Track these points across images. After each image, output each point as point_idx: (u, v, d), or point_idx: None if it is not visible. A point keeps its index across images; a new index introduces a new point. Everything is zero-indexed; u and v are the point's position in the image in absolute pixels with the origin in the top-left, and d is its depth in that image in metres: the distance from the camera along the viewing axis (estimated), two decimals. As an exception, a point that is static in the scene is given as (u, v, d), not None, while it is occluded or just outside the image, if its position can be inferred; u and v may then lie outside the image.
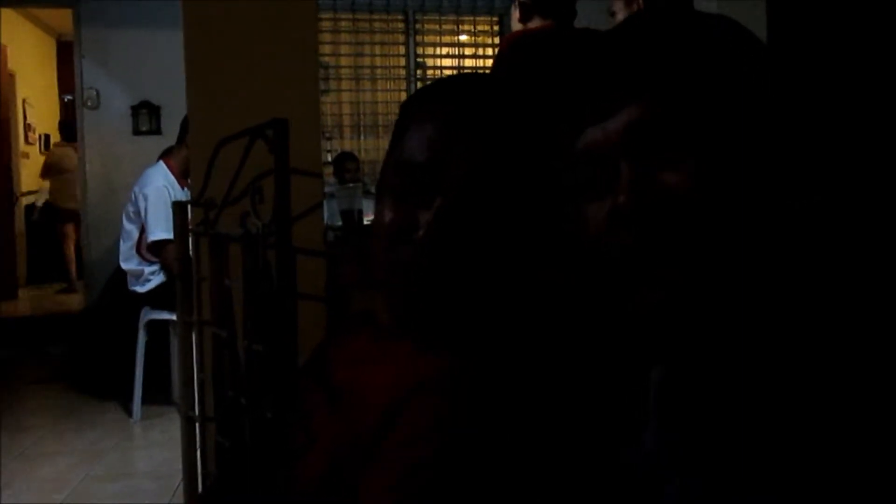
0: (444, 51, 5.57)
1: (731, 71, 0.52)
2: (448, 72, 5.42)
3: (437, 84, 0.79)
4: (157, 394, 3.50)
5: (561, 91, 0.58)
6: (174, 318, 3.13)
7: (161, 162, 3.57)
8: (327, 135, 5.09)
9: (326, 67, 5.21)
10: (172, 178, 3.45)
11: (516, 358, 0.69)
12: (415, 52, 5.41)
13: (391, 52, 5.41)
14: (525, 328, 0.71)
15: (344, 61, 5.34)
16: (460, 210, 0.69)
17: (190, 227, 1.88)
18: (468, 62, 5.56)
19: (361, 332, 0.82)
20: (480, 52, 5.58)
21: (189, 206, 1.87)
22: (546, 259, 0.68)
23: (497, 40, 5.43)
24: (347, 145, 5.18)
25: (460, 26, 5.50)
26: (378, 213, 0.75)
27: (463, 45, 5.59)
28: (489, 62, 5.48)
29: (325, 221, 3.32)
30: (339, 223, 2.87)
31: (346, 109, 5.34)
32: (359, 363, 0.78)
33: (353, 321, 0.87)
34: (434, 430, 0.66)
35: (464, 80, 0.79)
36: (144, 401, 3.46)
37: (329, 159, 4.71)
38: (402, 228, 0.71)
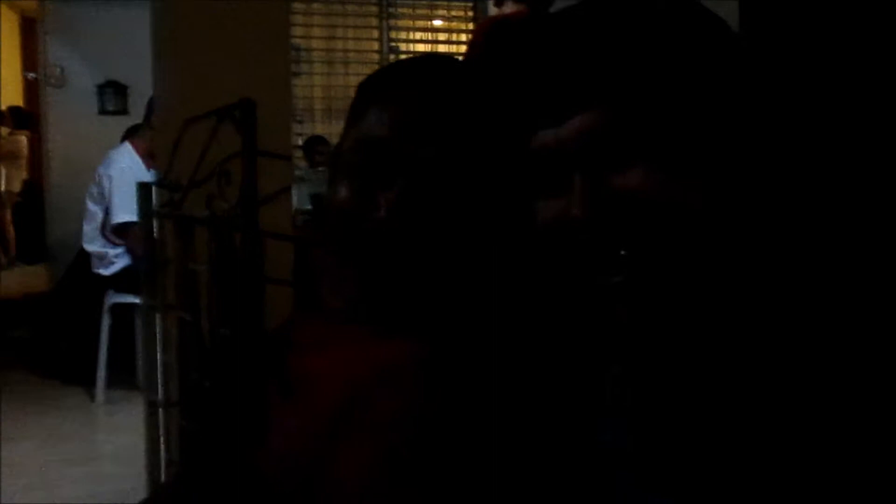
0: (418, 35, 5.54)
1: (694, 66, 0.51)
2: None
3: (400, 64, 0.78)
4: (121, 378, 3.46)
5: (521, 84, 0.57)
6: (139, 301, 3.09)
7: (126, 143, 3.51)
8: (298, 118, 5.04)
9: (298, 50, 5.14)
10: (138, 158, 3.40)
11: (476, 343, 0.68)
12: (388, 37, 5.37)
13: (364, 37, 5.36)
14: (482, 313, 0.70)
15: (316, 44, 5.29)
16: (423, 191, 0.68)
17: (155, 209, 1.85)
18: (442, 48, 5.53)
19: (319, 316, 0.81)
20: (455, 37, 5.55)
21: (154, 188, 1.84)
22: (505, 247, 0.68)
23: (471, 26, 5.40)
24: (318, 129, 5.13)
25: (434, 11, 5.47)
26: (333, 194, 0.73)
27: (437, 30, 5.56)
28: (463, 48, 5.46)
29: (295, 206, 3.29)
30: (309, 207, 2.85)
31: (318, 93, 5.29)
32: (316, 347, 0.77)
33: (310, 305, 0.86)
34: (405, 416, 0.65)
35: (429, 61, 0.78)
36: (108, 385, 3.41)
37: (300, 143, 4.67)
38: (359, 209, 0.70)
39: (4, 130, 6.87)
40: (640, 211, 0.50)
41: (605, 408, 0.55)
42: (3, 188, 6.84)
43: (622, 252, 0.51)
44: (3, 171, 6.80)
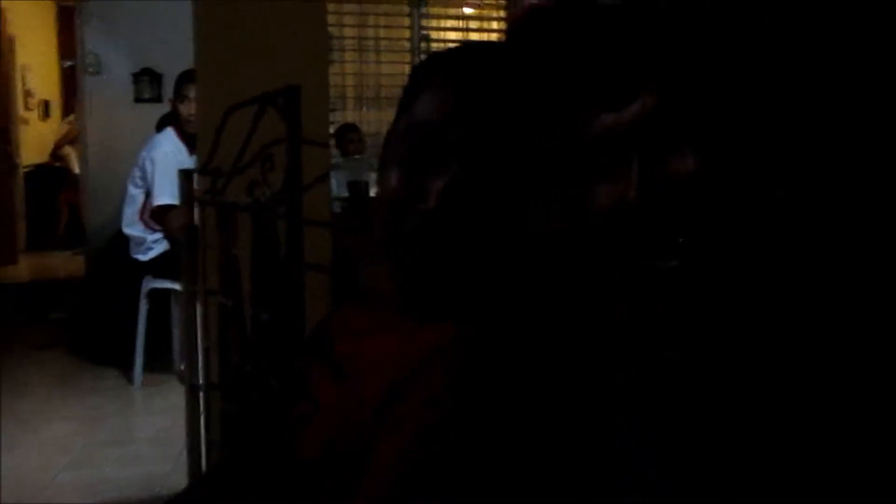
0: (450, 23, 5.52)
1: (736, 53, 0.51)
2: (453, 45, 5.36)
3: (453, 50, 0.78)
4: (158, 362, 3.52)
5: (570, 69, 0.57)
6: (176, 287, 3.13)
7: (169, 128, 3.55)
8: (331, 107, 5.05)
9: (330, 38, 5.15)
10: (180, 144, 3.43)
11: (523, 330, 0.68)
12: (419, 24, 5.35)
13: (396, 24, 5.36)
14: (529, 301, 0.70)
15: (348, 32, 5.29)
16: (474, 178, 0.68)
17: (196, 195, 1.87)
18: (474, 35, 5.51)
19: (364, 305, 0.82)
20: (486, 25, 5.52)
21: (195, 174, 1.86)
22: (544, 238, 0.68)
23: (503, 14, 5.37)
24: (350, 117, 5.15)
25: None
26: (382, 183, 0.73)
27: (469, 17, 5.53)
28: (494, 35, 5.43)
29: (332, 193, 3.30)
30: (346, 194, 2.86)
31: (350, 81, 5.30)
32: (362, 335, 0.78)
33: (357, 293, 0.86)
34: (444, 397, 0.66)
35: (481, 47, 0.78)
36: (145, 369, 3.47)
37: (331, 131, 4.68)
38: (409, 198, 0.69)
39: (72, 117, 6.99)
40: (695, 196, 0.50)
41: (618, 409, 0.54)
42: (77, 171, 6.93)
43: (680, 239, 0.51)
44: (74, 155, 6.90)
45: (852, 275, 0.49)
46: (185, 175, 1.83)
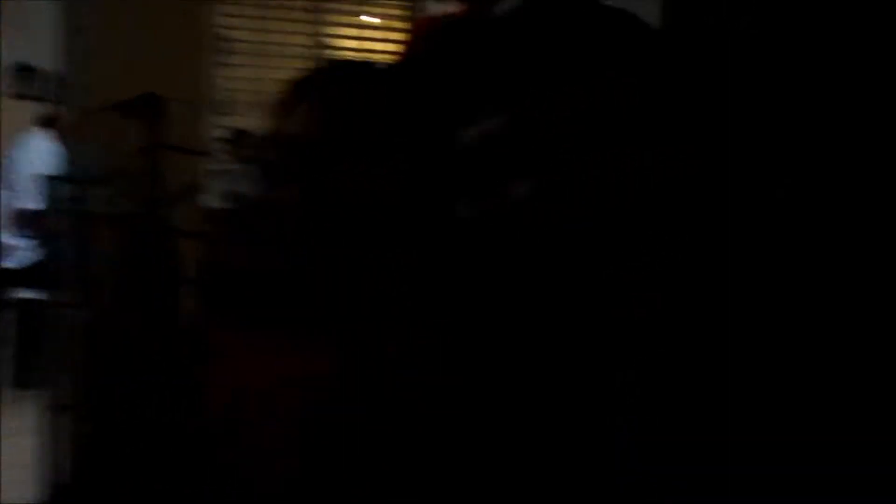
0: (350, 31, 5.49)
1: (620, 73, 0.52)
2: (351, 53, 5.34)
3: (329, 67, 0.79)
4: (25, 377, 3.30)
5: (445, 88, 0.57)
6: (45, 297, 2.95)
7: (43, 131, 3.36)
8: (222, 112, 4.92)
9: (225, 41, 5.02)
10: (52, 146, 3.25)
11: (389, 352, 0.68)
12: (318, 31, 5.30)
13: (294, 30, 5.27)
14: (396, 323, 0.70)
15: (244, 36, 5.17)
16: (333, 191, 0.68)
17: (61, 202, 1.77)
18: (374, 45, 5.50)
19: (229, 319, 0.80)
20: (387, 35, 5.52)
21: (61, 182, 1.76)
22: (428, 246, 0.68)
23: (404, 24, 5.38)
24: (245, 123, 5.03)
25: (365, 7, 5.42)
26: (253, 187, 0.73)
27: (368, 26, 5.52)
28: (394, 46, 5.43)
29: (215, 202, 3.20)
30: (228, 204, 2.78)
31: (245, 86, 5.18)
32: (224, 354, 0.76)
33: (221, 305, 0.84)
34: (307, 421, 0.65)
35: (357, 66, 0.79)
36: (15, 384, 3.25)
37: (226, 137, 4.55)
38: (268, 205, 0.69)
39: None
40: (523, 220, 0.50)
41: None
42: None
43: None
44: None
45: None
46: (51, 181, 1.73)
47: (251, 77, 5.21)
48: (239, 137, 4.38)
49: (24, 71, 4.55)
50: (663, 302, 0.52)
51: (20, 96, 4.54)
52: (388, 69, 0.82)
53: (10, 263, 3.22)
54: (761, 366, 0.50)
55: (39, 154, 3.21)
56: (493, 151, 0.54)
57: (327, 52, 5.30)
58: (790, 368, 0.48)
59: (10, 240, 3.22)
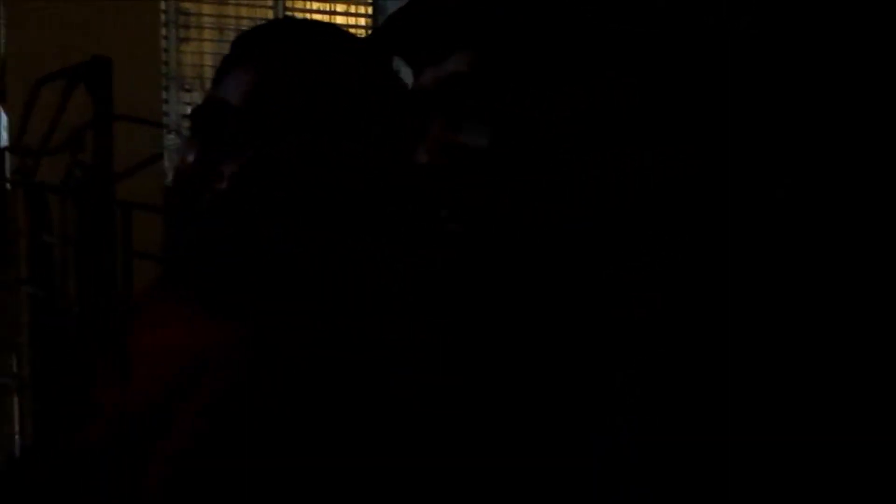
0: (315, 6, 5.40)
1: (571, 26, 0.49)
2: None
3: (265, 25, 0.74)
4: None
5: (399, 33, 0.54)
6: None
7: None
8: (187, 87, 4.82)
9: (187, 15, 4.91)
10: (5, 119, 3.14)
11: (313, 332, 0.65)
12: (283, 4, 5.20)
13: (258, 3, 5.17)
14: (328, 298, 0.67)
15: (206, 9, 5.05)
16: (270, 165, 0.65)
17: (9, 175, 1.71)
18: (340, 19, 5.42)
19: (172, 292, 0.77)
20: (352, 9, 5.44)
21: (6, 154, 1.70)
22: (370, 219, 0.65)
23: (370, 10, 5.31)
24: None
25: (332, -19, 5.33)
26: (182, 156, 0.68)
27: (335, 1, 5.43)
28: (361, 20, 5.36)
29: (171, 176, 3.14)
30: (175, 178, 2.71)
31: (208, 61, 5.07)
32: (157, 326, 0.73)
33: (171, 280, 0.81)
34: (222, 402, 0.62)
35: (295, 25, 0.74)
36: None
37: (188, 112, 4.46)
38: (204, 176, 0.65)
39: None
40: (472, 175, 0.48)
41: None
42: None
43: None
44: None
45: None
46: (-4, 153, 1.67)
47: (215, 52, 5.12)
48: (197, 111, 4.30)
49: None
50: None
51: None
52: (342, 33, 0.77)
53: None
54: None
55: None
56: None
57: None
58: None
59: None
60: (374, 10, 5.30)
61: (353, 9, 5.43)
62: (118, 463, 0.64)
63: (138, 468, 0.63)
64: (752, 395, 0.47)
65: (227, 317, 0.64)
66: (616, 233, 0.49)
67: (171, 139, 3.33)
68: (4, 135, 3.00)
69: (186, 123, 4.48)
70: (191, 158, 0.66)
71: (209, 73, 5.31)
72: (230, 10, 5.10)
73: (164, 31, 4.17)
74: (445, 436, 0.59)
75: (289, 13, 5.26)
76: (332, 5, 5.44)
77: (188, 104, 4.80)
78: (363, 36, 0.85)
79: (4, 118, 3.13)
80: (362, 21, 5.42)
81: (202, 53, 5.01)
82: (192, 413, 0.62)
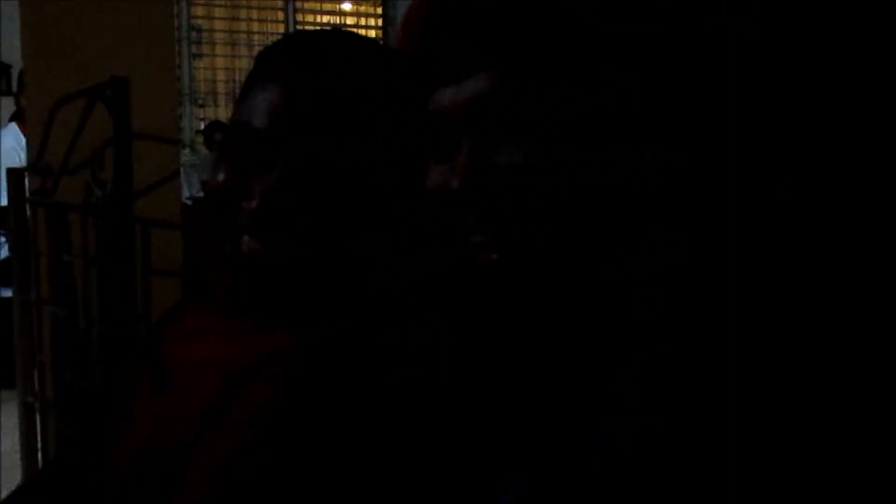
0: (325, 18, 5.43)
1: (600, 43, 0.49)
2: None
3: (289, 39, 0.73)
4: (6, 378, 3.24)
5: (427, 50, 0.54)
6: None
7: (13, 124, 3.28)
8: (200, 102, 4.86)
9: (200, 31, 4.95)
10: (24, 140, 3.18)
11: (359, 341, 0.65)
12: (294, 18, 5.24)
13: (269, 18, 5.21)
14: (366, 308, 0.67)
15: (219, 25, 5.10)
16: (299, 183, 0.64)
17: (28, 195, 1.72)
18: (350, 20, 5.44)
19: (205, 306, 0.77)
20: (363, 21, 5.47)
21: (27, 174, 1.71)
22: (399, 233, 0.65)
23: (379, 10, 5.34)
24: (221, 114, 4.96)
25: (342, -6, 5.37)
26: (213, 175, 0.69)
27: (345, 13, 5.46)
28: (371, 32, 5.38)
29: (190, 193, 3.16)
30: (201, 195, 2.74)
31: (221, 76, 5.11)
32: (195, 337, 0.73)
33: (199, 294, 0.81)
34: (270, 413, 0.62)
35: (312, 36, 0.74)
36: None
37: (201, 128, 4.49)
38: (235, 195, 0.65)
39: None
40: (513, 194, 0.47)
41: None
42: None
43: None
44: None
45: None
46: (14, 174, 1.68)
47: (227, 67, 5.16)
48: (214, 128, 4.32)
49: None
50: (663, 302, 0.50)
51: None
52: (364, 40, 0.76)
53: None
54: (762, 366, 0.48)
55: (13, 147, 3.14)
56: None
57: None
58: (791, 369, 0.47)
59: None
60: (383, 9, 5.32)
61: (362, 21, 5.46)
62: (160, 473, 0.64)
63: (170, 490, 0.62)
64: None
65: (271, 328, 0.64)
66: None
67: (186, 155, 3.34)
68: (23, 155, 3.03)
69: (200, 139, 4.49)
70: (220, 178, 0.66)
71: (222, 87, 5.37)
72: (242, 25, 5.14)
73: (176, 48, 4.20)
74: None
75: (299, 26, 5.29)
76: (343, 18, 5.46)
77: (202, 119, 4.86)
78: (379, 39, 0.85)
79: (23, 139, 3.16)
80: (372, 21, 5.44)
81: (214, 69, 5.06)
82: (240, 424, 0.62)
